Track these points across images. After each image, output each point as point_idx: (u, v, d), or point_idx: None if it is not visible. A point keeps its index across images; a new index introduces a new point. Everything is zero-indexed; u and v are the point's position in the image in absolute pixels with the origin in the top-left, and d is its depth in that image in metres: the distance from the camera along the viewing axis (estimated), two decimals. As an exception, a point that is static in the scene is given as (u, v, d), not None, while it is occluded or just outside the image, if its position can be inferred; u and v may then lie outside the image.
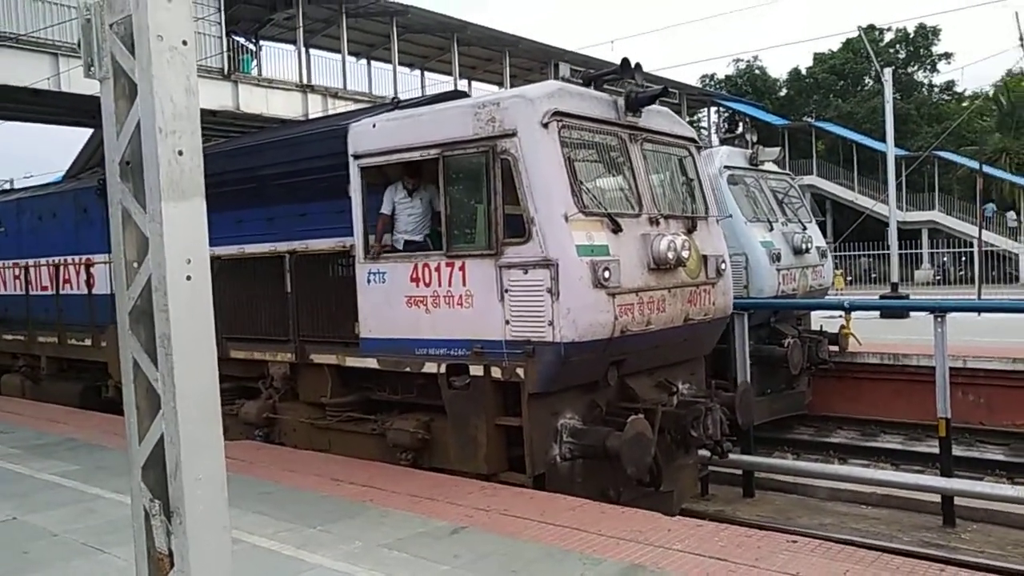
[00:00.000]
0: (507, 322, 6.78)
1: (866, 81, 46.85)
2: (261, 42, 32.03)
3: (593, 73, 7.54)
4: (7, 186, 30.47)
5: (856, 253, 32.14)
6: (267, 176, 9.05)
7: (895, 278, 22.26)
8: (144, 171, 2.51)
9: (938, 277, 34.62)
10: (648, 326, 7.13)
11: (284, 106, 29.21)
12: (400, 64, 34.15)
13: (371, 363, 7.86)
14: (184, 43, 2.52)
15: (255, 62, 31.00)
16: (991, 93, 41.67)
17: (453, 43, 34.11)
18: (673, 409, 7.49)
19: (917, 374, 12.17)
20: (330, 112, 27.96)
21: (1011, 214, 36.31)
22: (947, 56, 47.50)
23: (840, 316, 12.60)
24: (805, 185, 36.07)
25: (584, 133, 7.08)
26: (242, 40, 30.35)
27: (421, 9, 31.27)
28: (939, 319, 8.60)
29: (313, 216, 8.71)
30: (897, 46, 47.61)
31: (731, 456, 8.71)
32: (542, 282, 6.54)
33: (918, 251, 35.98)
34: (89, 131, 31.08)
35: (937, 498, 8.90)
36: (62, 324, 12.39)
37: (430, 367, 7.32)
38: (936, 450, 9.39)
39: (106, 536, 5.91)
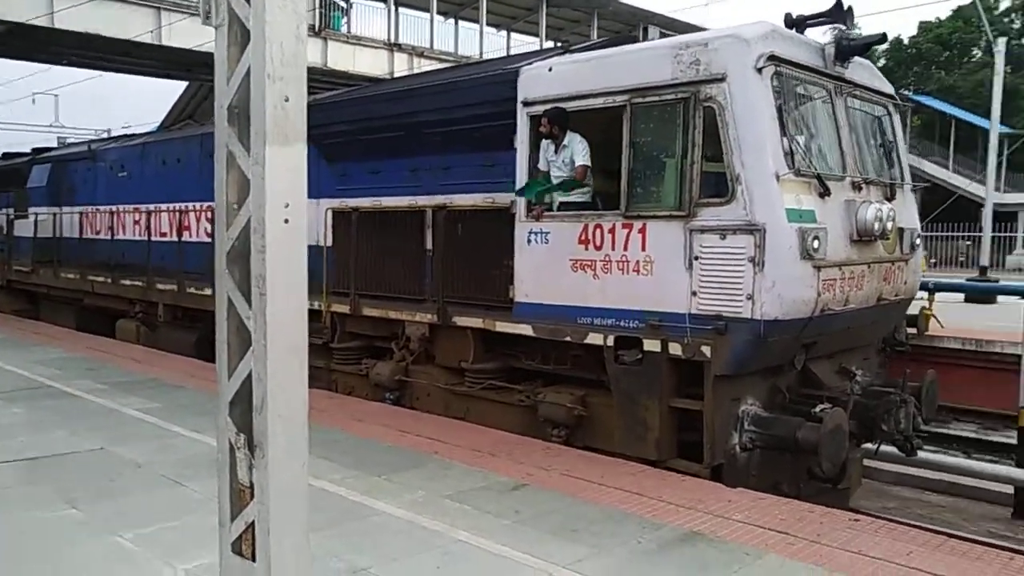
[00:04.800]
0: (694, 293, 6.11)
1: (974, 53, 44.61)
2: (351, -1, 32.07)
3: (800, 16, 6.84)
4: (104, 135, 31.22)
5: (944, 234, 30.84)
6: (410, 125, 8.58)
7: (985, 261, 21.21)
8: (251, 116, 2.58)
9: (1031, 263, 33.17)
10: (846, 305, 6.47)
11: (371, 64, 29.25)
12: (487, 25, 33.86)
13: (525, 330, 7.33)
14: (297, -9, 2.56)
15: (345, 19, 31.04)
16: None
17: (542, 4, 33.64)
18: (864, 399, 6.86)
19: (1001, 362, 11.52)
20: (415, 71, 27.89)
21: (1120, 200, 34.45)
22: (1068, 28, 44.86)
23: (921, 297, 12.02)
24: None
25: (794, 82, 6.41)
26: (334, -3, 30.39)
27: (511, -30, 30.88)
28: (1030, 305, 8.17)
29: (459, 169, 8.24)
30: (1012, 15, 45.09)
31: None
32: (743, 250, 5.84)
33: (1012, 235, 34.41)
34: (183, 84, 31.89)
35: (1010, 489, 8.55)
36: (183, 272, 12.18)
37: (595, 338, 6.76)
38: (1013, 440, 9.04)
39: (184, 470, 6.14)
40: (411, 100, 8.76)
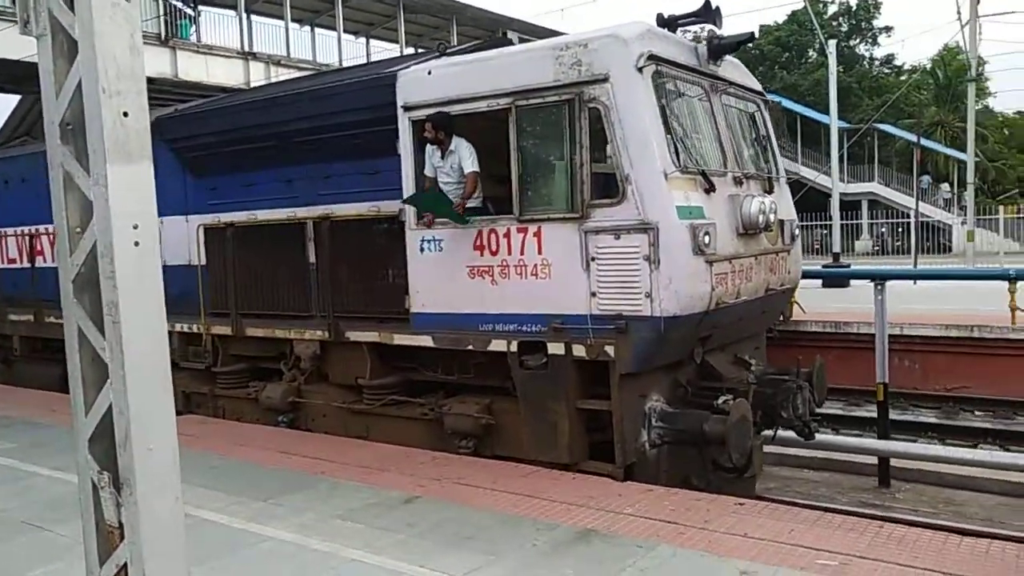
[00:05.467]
0: (593, 294, 6.11)
1: (810, 54, 47.57)
2: (200, 7, 30.63)
3: (671, 15, 6.94)
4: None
5: (799, 223, 32.78)
6: (284, 133, 8.14)
7: (837, 248, 22.67)
8: (87, 133, 2.43)
9: (876, 247, 35.66)
10: (738, 297, 6.61)
11: (225, 74, 28.02)
12: (345, 32, 33.22)
13: (425, 341, 7.11)
14: (128, -1, 2.40)
15: (194, 28, 29.62)
16: (928, 67, 43.06)
17: (399, 10, 33.30)
18: (762, 388, 6.97)
19: (857, 341, 12.38)
20: (272, 80, 26.99)
21: (945, 186, 37.69)
22: (887, 30, 48.80)
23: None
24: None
25: (672, 81, 6.48)
26: (179, 4, 28.92)
27: (366, -25, 30.43)
28: (879, 287, 8.76)
29: (340, 178, 7.89)
30: (840, 19, 48.53)
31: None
32: (638, 249, 5.88)
33: (858, 222, 36.96)
34: (16, 97, 29.42)
35: (874, 460, 9.08)
36: (40, 300, 11.19)
37: (498, 345, 6.64)
38: (874, 414, 9.60)
39: (46, 513, 5.79)
40: (283, 108, 8.30)
